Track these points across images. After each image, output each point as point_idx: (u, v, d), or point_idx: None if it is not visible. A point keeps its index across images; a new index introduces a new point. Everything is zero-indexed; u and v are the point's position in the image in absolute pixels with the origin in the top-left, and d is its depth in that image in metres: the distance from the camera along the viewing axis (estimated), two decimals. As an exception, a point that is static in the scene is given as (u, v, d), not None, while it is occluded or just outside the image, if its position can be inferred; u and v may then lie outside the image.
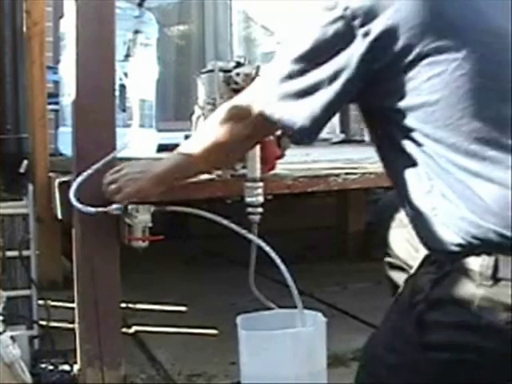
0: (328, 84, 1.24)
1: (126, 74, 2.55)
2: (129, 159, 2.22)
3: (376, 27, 1.18)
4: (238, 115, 1.42)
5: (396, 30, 1.17)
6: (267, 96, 1.32)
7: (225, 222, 1.82)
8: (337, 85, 1.24)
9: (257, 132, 1.45)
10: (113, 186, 1.71)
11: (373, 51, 1.19)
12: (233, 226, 1.82)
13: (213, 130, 1.49)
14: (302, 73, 1.26)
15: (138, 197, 1.74)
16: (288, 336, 1.56)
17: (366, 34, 1.19)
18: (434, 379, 1.20)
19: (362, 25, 1.19)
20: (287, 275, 1.67)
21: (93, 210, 1.83)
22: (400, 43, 1.17)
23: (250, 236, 1.86)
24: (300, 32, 1.29)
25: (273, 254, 1.73)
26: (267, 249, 1.76)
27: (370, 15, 1.18)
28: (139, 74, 2.63)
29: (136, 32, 2.58)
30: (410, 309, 1.21)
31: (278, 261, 1.71)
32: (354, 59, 1.21)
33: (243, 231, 1.83)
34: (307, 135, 1.30)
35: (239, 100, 1.45)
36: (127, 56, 2.58)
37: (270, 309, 1.83)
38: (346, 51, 1.21)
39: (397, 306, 1.32)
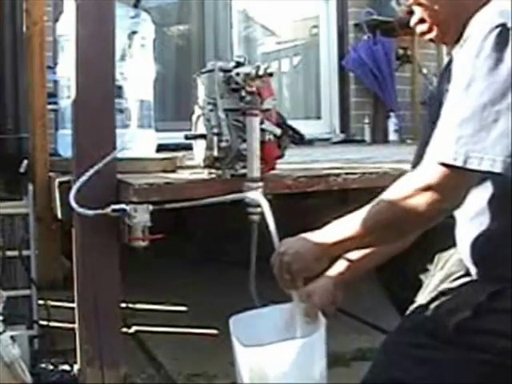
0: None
1: (122, 75, 2.54)
2: (128, 159, 2.22)
3: None
4: (420, 184, 1.26)
5: None
6: (445, 146, 1.21)
7: (223, 197, 1.85)
8: None
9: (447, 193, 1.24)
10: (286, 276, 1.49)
11: None
12: (231, 196, 1.85)
13: (392, 204, 1.34)
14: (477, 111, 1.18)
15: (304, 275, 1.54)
16: (291, 348, 1.48)
17: None
18: (475, 375, 1.27)
19: None
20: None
21: (91, 212, 1.83)
22: None
23: (253, 197, 1.86)
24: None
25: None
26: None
27: None
28: (136, 75, 2.62)
29: (132, 33, 2.58)
30: (447, 314, 1.28)
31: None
32: None
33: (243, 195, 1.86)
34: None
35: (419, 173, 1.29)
36: (123, 56, 2.57)
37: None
38: None
39: (422, 309, 1.37)
